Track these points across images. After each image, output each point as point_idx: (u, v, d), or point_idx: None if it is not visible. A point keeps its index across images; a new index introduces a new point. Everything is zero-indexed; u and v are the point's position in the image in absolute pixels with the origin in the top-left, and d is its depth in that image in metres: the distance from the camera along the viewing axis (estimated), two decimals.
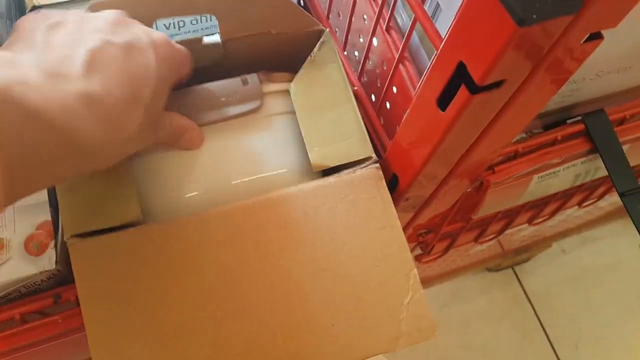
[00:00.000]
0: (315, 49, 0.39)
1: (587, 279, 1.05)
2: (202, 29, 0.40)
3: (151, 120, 0.30)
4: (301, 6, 0.53)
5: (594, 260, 1.07)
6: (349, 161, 0.38)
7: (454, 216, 0.50)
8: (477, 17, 0.26)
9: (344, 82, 0.40)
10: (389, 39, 0.44)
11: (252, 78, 0.38)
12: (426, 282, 0.88)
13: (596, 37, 0.27)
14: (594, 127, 0.44)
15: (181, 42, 0.34)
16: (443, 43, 0.29)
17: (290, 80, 0.39)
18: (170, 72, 0.31)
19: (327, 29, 0.40)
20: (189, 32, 0.39)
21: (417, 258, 0.58)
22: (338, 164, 0.38)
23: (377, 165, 0.38)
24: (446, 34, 0.29)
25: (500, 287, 1.03)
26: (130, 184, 0.34)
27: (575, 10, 0.24)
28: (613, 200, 0.76)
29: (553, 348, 0.99)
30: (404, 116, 0.36)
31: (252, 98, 0.37)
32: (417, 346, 0.96)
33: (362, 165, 0.38)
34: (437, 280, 0.91)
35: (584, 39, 0.27)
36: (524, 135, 0.47)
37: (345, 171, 0.38)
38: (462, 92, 0.28)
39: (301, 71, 0.39)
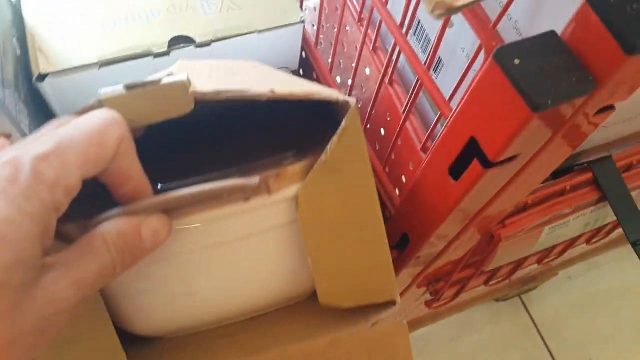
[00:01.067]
0: (334, 142, 0.29)
1: (595, 304, 1.05)
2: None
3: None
4: (302, 58, 0.54)
5: (601, 286, 1.07)
6: (367, 303, 0.33)
7: (464, 264, 0.49)
8: (489, 97, 0.26)
9: (371, 192, 0.31)
10: (394, 93, 0.44)
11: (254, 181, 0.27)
12: (434, 317, 0.88)
13: (608, 108, 0.27)
14: (601, 174, 0.44)
15: (130, 87, 0.26)
16: (454, 116, 0.29)
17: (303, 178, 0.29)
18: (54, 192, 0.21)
19: (354, 101, 0.29)
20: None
21: (427, 304, 0.58)
22: (353, 305, 0.33)
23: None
24: (457, 107, 0.29)
25: (508, 316, 1.03)
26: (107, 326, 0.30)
27: (589, 92, 0.24)
28: (619, 230, 0.75)
29: None
30: (413, 179, 0.36)
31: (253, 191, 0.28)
32: None
33: (383, 313, 0.33)
34: (446, 314, 0.90)
35: (595, 112, 0.27)
36: None
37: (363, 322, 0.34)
38: (475, 166, 0.28)
39: (313, 173, 0.29)
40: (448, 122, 0.30)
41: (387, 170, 0.47)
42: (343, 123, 0.28)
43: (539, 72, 0.23)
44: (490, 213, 0.36)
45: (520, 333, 1.01)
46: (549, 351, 1.00)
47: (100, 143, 0.23)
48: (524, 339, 1.01)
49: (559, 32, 0.24)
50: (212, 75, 0.30)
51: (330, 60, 0.51)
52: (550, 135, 0.27)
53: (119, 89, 0.25)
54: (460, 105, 0.28)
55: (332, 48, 0.49)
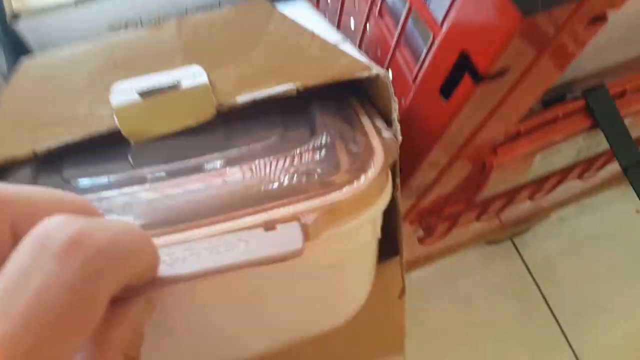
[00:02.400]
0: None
1: (586, 246, 1.06)
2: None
3: None
4: None
5: (593, 228, 1.07)
6: None
7: (456, 198, 0.49)
8: (478, 6, 0.25)
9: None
10: (383, 25, 0.43)
11: (288, 226, 0.22)
12: (426, 259, 0.89)
13: (600, 19, 0.27)
14: (594, 102, 0.43)
15: (146, 94, 0.23)
16: (443, 32, 0.29)
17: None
18: (105, 282, 0.15)
19: (387, 72, 0.26)
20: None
21: (420, 240, 0.58)
22: None
23: None
24: (444, 22, 0.28)
25: (500, 259, 1.04)
26: None
27: None
28: (612, 168, 0.76)
29: (555, 317, 1.00)
30: (405, 105, 0.35)
31: (286, 244, 0.21)
32: (423, 321, 0.96)
33: None
34: (437, 256, 0.91)
35: (587, 22, 0.26)
36: None
37: None
38: (466, 81, 0.28)
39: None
40: (439, 40, 0.29)
41: None
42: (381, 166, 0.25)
43: None
44: (482, 138, 0.36)
45: (512, 275, 1.02)
46: (541, 292, 1.01)
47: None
48: (516, 281, 1.02)
49: None
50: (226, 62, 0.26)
51: None
52: (541, 47, 0.26)
53: (132, 95, 0.21)
54: (451, 19, 0.27)
55: None
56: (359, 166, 0.25)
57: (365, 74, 0.25)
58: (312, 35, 0.26)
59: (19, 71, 0.23)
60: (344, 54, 0.26)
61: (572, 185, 0.78)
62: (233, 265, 0.19)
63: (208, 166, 0.25)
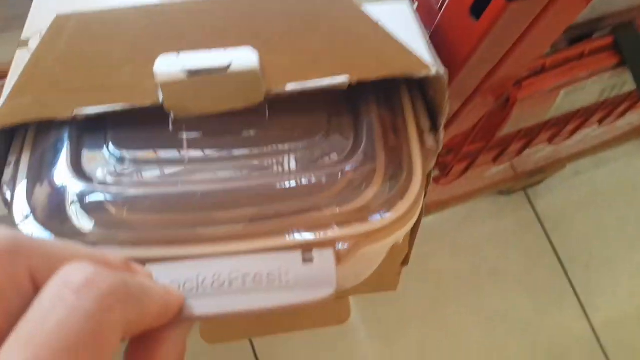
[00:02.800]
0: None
1: (600, 201, 1.06)
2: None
3: None
4: None
5: (608, 182, 1.07)
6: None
7: (475, 136, 0.49)
8: None
9: None
10: None
11: (324, 256, 0.22)
12: (439, 205, 0.89)
13: None
14: (623, 39, 0.42)
15: (193, 73, 0.22)
16: None
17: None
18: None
19: (446, 71, 0.25)
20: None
21: (435, 179, 0.58)
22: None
23: None
24: None
25: (512, 210, 1.04)
26: None
27: None
28: (631, 119, 0.75)
29: (564, 268, 1.01)
30: (433, 27, 0.35)
31: (320, 285, 0.21)
32: (430, 268, 0.98)
33: None
34: (450, 203, 0.91)
35: None
36: (548, 50, 0.45)
37: None
38: (497, 1, 0.27)
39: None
40: None
41: None
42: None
43: None
44: (508, 68, 0.35)
45: (523, 226, 1.03)
46: (551, 244, 1.02)
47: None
48: (526, 232, 1.02)
49: None
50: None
51: None
52: None
53: (179, 72, 0.21)
54: None
55: None
56: (398, 194, 0.25)
57: (424, 73, 0.24)
58: (377, 26, 0.25)
59: (54, 28, 0.23)
60: (405, 49, 0.25)
61: (591, 135, 0.77)
62: (271, 308, 0.20)
63: (245, 154, 0.25)
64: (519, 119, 0.44)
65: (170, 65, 0.21)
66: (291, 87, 0.23)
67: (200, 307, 0.20)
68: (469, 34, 0.31)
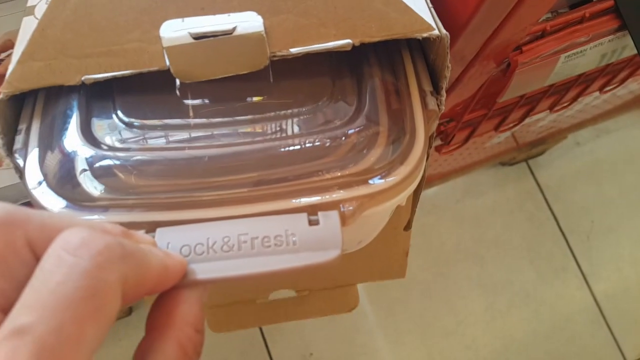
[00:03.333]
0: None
1: (601, 170, 1.06)
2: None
3: None
4: None
5: (608, 152, 1.07)
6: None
7: (476, 103, 0.49)
8: None
9: None
10: None
11: (329, 217, 0.22)
12: (440, 177, 0.89)
13: None
14: (623, 3, 0.42)
15: (199, 37, 0.22)
16: None
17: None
18: None
19: (447, 34, 0.25)
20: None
21: (437, 149, 0.59)
22: None
23: None
24: None
25: (514, 180, 1.04)
26: None
27: None
28: (632, 88, 0.75)
29: (565, 239, 1.02)
30: None
31: (325, 246, 0.21)
32: (432, 239, 0.98)
33: None
34: (452, 175, 0.91)
35: None
36: (549, 15, 0.45)
37: None
38: None
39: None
40: None
41: None
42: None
43: None
44: (506, 34, 0.35)
45: (524, 197, 1.03)
46: (553, 214, 1.03)
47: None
48: (528, 202, 1.03)
49: None
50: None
51: None
52: None
53: (184, 36, 0.21)
54: None
55: None
56: (400, 156, 0.25)
57: (426, 34, 0.24)
58: None
59: None
60: (408, 9, 0.25)
61: (591, 105, 0.77)
62: (278, 270, 0.20)
63: (250, 119, 0.25)
64: (519, 85, 0.44)
65: (176, 30, 0.22)
66: (295, 50, 0.23)
67: (211, 270, 0.20)
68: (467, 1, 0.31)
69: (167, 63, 0.22)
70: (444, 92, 0.28)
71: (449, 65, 0.27)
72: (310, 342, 0.92)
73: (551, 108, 0.58)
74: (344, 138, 0.25)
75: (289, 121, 0.26)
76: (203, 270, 0.20)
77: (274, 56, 0.23)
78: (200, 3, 0.23)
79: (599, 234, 1.02)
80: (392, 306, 0.95)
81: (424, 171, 0.28)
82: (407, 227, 0.39)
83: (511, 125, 0.58)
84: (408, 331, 0.94)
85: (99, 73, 0.22)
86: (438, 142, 0.58)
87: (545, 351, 0.96)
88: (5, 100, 0.22)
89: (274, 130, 0.26)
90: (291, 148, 0.25)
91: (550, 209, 1.03)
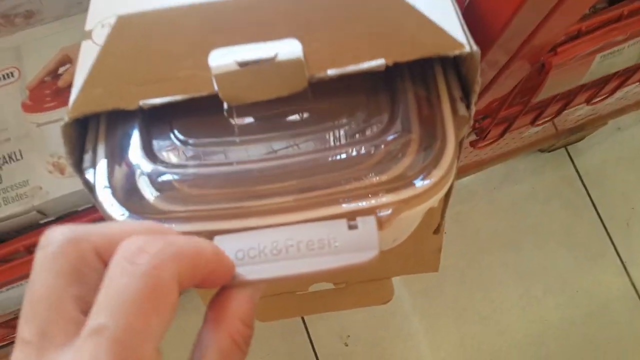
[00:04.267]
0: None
1: None
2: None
3: None
4: None
5: None
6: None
7: (512, 100, 0.50)
8: None
9: None
10: None
11: (367, 222, 0.24)
12: (477, 165, 0.90)
13: None
14: None
15: (243, 64, 0.24)
16: None
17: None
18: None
19: (479, 50, 0.26)
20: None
21: (472, 144, 0.59)
22: None
23: None
24: None
25: (552, 167, 1.04)
26: None
27: None
28: None
29: (604, 225, 1.01)
30: (467, 1, 0.35)
31: (364, 248, 0.23)
32: (467, 226, 0.99)
33: None
34: (489, 163, 0.91)
35: None
36: (587, 11, 0.45)
37: None
38: None
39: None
40: None
41: None
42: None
43: None
44: (544, 35, 0.36)
45: (563, 183, 1.03)
46: (591, 200, 1.02)
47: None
48: (566, 189, 1.02)
49: None
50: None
51: None
52: None
53: (231, 64, 0.23)
54: None
55: None
56: (432, 161, 0.26)
57: (457, 52, 0.25)
58: (412, 10, 0.26)
59: (116, 28, 0.25)
60: (440, 30, 0.26)
61: (633, 92, 0.76)
62: (321, 271, 0.23)
63: (292, 134, 0.27)
64: (554, 84, 0.44)
65: (223, 58, 0.23)
66: (332, 72, 0.25)
67: (261, 271, 0.23)
68: (502, 6, 0.31)
69: (216, 88, 0.24)
70: (473, 107, 0.29)
71: (479, 80, 0.28)
72: (348, 325, 0.95)
73: (588, 101, 0.58)
74: (379, 147, 0.27)
75: (327, 134, 0.28)
76: (254, 272, 0.22)
77: (312, 78, 0.25)
78: (245, 31, 0.25)
79: (638, 221, 1.01)
80: (428, 291, 0.96)
81: (455, 174, 0.29)
82: (437, 231, 0.41)
83: (548, 118, 0.58)
84: (443, 316, 0.95)
85: (155, 98, 0.24)
86: (473, 137, 0.58)
87: (582, 336, 0.96)
88: (70, 123, 0.24)
89: (313, 142, 0.27)
90: (329, 158, 0.27)
91: (589, 195, 1.02)
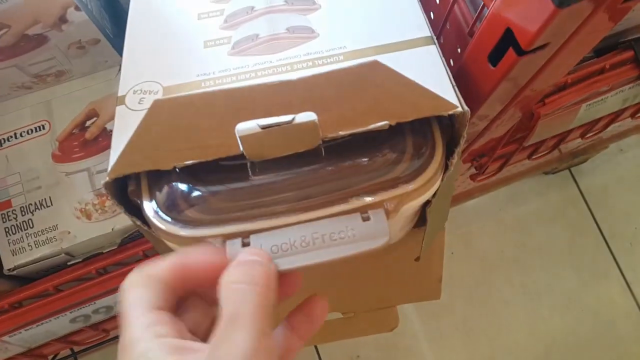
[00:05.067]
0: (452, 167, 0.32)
1: None
2: None
3: None
4: None
5: None
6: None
7: (507, 141, 0.53)
8: None
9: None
10: None
11: (377, 214, 0.30)
12: (482, 189, 0.92)
13: None
14: None
15: (265, 127, 0.28)
16: (492, 7, 0.32)
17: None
18: None
19: (469, 111, 0.30)
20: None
21: (472, 177, 0.63)
22: None
23: None
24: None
25: (557, 188, 1.06)
26: None
27: None
28: None
29: (608, 245, 1.03)
30: (460, 57, 0.39)
31: (377, 235, 0.29)
32: (475, 247, 1.01)
33: None
34: (493, 187, 0.94)
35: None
36: None
37: None
38: (510, 53, 0.31)
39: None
40: (487, 14, 0.33)
41: None
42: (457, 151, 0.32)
43: None
44: (528, 94, 0.39)
45: (567, 204, 1.05)
46: (595, 221, 1.04)
47: None
48: (571, 209, 1.05)
49: None
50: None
51: None
52: (579, 26, 0.29)
53: (254, 127, 0.28)
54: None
55: None
56: (422, 167, 0.31)
57: (451, 112, 0.30)
58: (412, 83, 0.30)
59: (153, 109, 0.29)
60: (436, 96, 0.31)
61: (629, 122, 0.79)
62: (344, 257, 0.28)
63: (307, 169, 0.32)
64: (544, 130, 0.47)
65: (247, 124, 0.28)
66: (342, 133, 0.29)
67: (295, 261, 0.28)
68: (488, 77, 0.35)
69: (241, 149, 0.28)
70: (456, 156, 0.32)
71: (465, 136, 0.32)
72: (358, 344, 0.98)
73: (583, 136, 0.61)
74: (380, 157, 0.32)
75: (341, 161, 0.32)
76: (288, 263, 0.28)
77: (325, 138, 0.29)
78: (267, 109, 0.29)
79: None
80: (436, 311, 0.99)
81: (441, 179, 0.34)
82: (417, 259, 0.44)
83: (544, 153, 0.61)
84: (451, 336, 0.98)
85: (188, 161, 0.28)
86: (473, 171, 0.62)
87: (589, 354, 0.98)
88: (111, 182, 0.29)
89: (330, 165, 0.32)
90: (343, 167, 0.32)
91: (593, 215, 1.04)
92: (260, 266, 0.26)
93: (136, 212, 0.32)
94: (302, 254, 0.28)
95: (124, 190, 0.32)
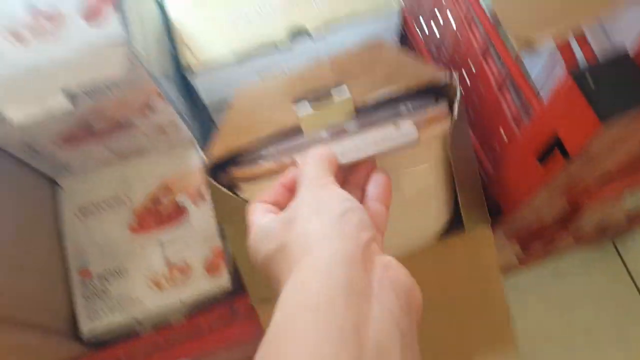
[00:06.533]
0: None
1: None
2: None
3: None
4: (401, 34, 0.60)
5: None
6: None
7: (554, 224, 0.55)
8: (568, 105, 0.31)
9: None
10: (487, 67, 0.49)
11: (405, 123, 0.40)
12: (524, 264, 0.93)
13: None
14: None
15: (314, 107, 0.43)
16: (538, 112, 0.35)
17: (446, 118, 0.43)
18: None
19: (455, 73, 0.43)
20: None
21: (520, 260, 0.64)
22: None
23: None
24: (542, 106, 0.35)
25: (601, 263, 1.05)
26: None
27: None
28: None
29: None
30: (505, 161, 0.42)
31: (407, 135, 0.39)
32: (520, 328, 1.00)
33: None
34: (535, 262, 0.95)
35: None
36: None
37: None
38: (557, 156, 0.34)
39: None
40: (534, 116, 0.36)
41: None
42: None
43: (609, 89, 0.29)
44: (573, 188, 0.42)
45: (612, 280, 1.03)
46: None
47: None
48: (616, 286, 1.02)
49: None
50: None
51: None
52: (625, 138, 0.32)
53: (307, 109, 0.42)
54: (545, 106, 0.34)
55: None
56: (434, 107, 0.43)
57: (443, 77, 0.43)
58: (413, 58, 0.45)
59: (236, 97, 0.44)
60: (431, 67, 0.45)
61: None
62: (386, 150, 0.39)
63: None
64: (590, 216, 0.50)
65: (303, 105, 0.43)
66: (370, 100, 0.43)
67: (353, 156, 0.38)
68: (536, 175, 0.38)
69: (300, 124, 0.42)
70: (456, 104, 0.42)
71: (459, 91, 0.44)
72: None
73: (628, 220, 0.62)
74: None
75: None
76: (346, 157, 0.37)
77: (357, 107, 0.43)
78: (312, 85, 0.44)
79: None
80: None
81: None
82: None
83: (589, 237, 0.63)
84: None
85: (262, 134, 0.42)
86: (519, 252, 0.63)
87: None
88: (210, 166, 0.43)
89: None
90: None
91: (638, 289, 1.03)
92: (317, 149, 0.34)
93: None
94: (356, 152, 0.38)
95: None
